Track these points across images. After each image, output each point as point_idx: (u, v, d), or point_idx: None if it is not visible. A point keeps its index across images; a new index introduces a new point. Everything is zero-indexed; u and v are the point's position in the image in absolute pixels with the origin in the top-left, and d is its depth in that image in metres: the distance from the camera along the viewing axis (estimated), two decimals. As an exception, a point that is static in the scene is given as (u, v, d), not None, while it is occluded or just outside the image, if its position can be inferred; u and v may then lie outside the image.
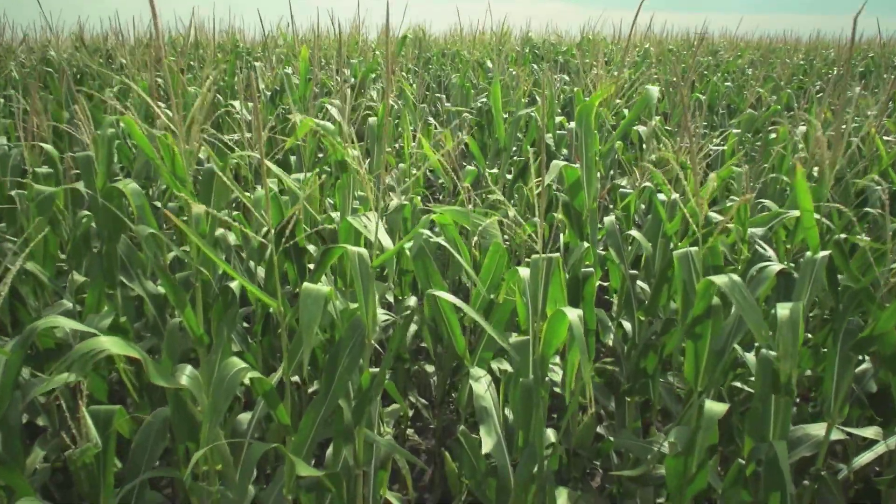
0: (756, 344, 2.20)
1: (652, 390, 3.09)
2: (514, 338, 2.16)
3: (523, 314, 2.00)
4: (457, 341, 2.83)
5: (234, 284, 2.06)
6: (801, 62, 10.58)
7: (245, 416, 2.29)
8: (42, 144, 2.95)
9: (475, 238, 2.59)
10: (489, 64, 7.68)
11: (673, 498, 2.01)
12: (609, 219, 3.11)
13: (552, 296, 1.93)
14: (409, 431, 4.19)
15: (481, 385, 2.40)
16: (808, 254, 1.99)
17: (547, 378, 1.95)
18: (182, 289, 1.91)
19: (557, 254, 1.98)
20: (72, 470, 1.94)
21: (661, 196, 2.94)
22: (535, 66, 7.65)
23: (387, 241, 2.53)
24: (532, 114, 4.65)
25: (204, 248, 1.76)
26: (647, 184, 3.26)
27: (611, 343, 3.20)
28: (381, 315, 2.48)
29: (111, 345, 1.54)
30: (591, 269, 2.68)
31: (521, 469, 1.90)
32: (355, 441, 2.03)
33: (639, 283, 3.12)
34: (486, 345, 3.05)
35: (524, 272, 2.09)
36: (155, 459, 2.15)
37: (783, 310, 1.68)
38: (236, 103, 4.52)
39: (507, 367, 2.59)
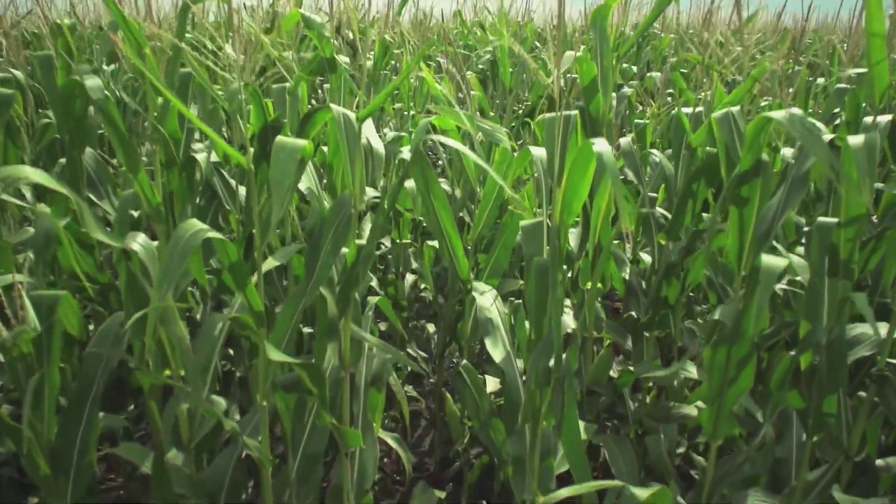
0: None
1: (673, 324, 2.77)
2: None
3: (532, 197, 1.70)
4: (459, 264, 2.52)
5: (200, 157, 1.76)
6: None
7: (219, 316, 1.98)
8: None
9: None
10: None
11: (711, 402, 1.69)
12: (625, 139, 2.81)
13: (572, 168, 1.60)
14: (408, 388, 3.88)
15: (486, 298, 2.09)
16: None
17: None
18: (136, 150, 1.61)
19: (575, 111, 1.67)
20: (6, 364, 1.63)
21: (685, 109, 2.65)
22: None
23: (377, 142, 2.24)
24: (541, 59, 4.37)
25: (167, 93, 1.45)
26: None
27: (626, 276, 2.89)
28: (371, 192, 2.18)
29: (33, 174, 1.24)
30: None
31: (535, 363, 1.59)
32: (340, 336, 1.72)
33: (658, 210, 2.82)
34: (491, 271, 2.75)
35: (537, 150, 1.79)
36: (111, 369, 1.84)
37: (855, 139, 1.37)
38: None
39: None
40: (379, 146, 2.22)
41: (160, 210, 1.64)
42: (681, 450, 2.75)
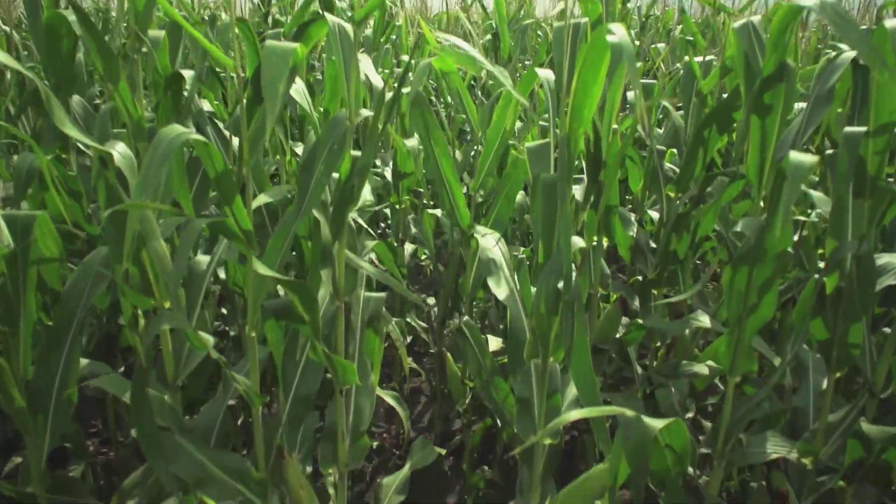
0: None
1: (682, 280, 2.66)
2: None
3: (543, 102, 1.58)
4: (460, 213, 2.42)
5: (187, 73, 1.65)
6: None
7: (203, 258, 1.87)
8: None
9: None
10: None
11: (730, 332, 1.58)
12: (631, 92, 2.71)
13: (583, 66, 1.46)
14: (408, 360, 3.77)
15: (488, 240, 1.97)
16: None
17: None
18: (115, 57, 1.50)
19: (585, 18, 1.57)
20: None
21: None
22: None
23: (375, 78, 2.13)
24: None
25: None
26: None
27: (633, 234, 2.78)
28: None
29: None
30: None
31: (544, 285, 1.47)
32: (334, 262, 1.61)
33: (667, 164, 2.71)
34: (493, 223, 2.65)
35: (543, 72, 1.69)
36: (91, 305, 1.73)
37: (892, 21, 1.27)
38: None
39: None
40: (378, 82, 2.11)
41: (141, 126, 1.53)
42: (689, 414, 2.63)
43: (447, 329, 3.39)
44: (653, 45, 4.09)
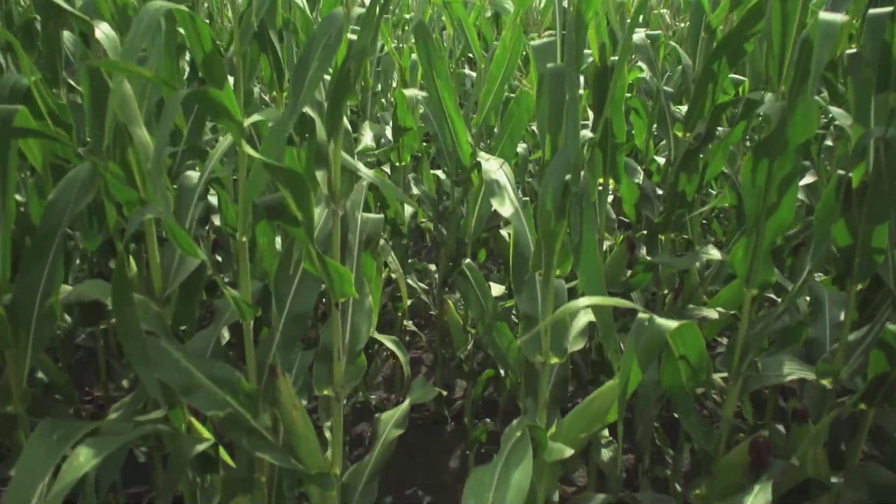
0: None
1: (690, 226, 2.58)
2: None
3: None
4: (461, 149, 2.33)
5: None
6: None
7: (194, 173, 1.78)
8: None
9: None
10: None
11: (749, 235, 1.49)
12: (638, 35, 2.63)
13: None
14: (408, 323, 3.68)
15: (492, 164, 1.88)
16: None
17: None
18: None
19: None
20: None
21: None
22: None
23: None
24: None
25: None
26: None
27: (638, 181, 2.69)
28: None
29: None
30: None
31: (551, 179, 1.38)
32: (330, 162, 1.52)
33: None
34: (501, 152, 2.56)
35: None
36: (74, 214, 1.64)
37: None
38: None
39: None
40: None
41: (126, 14, 1.44)
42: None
43: (447, 292, 3.30)
44: None
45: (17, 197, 2.07)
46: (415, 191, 3.30)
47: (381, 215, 1.83)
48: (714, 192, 2.96)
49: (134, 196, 1.38)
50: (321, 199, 1.66)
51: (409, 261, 3.74)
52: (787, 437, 1.61)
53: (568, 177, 1.40)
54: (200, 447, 1.42)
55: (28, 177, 2.38)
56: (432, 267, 3.84)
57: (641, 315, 1.38)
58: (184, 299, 1.64)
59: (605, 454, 2.39)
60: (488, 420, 2.90)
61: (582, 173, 1.41)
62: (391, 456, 1.94)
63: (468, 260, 2.42)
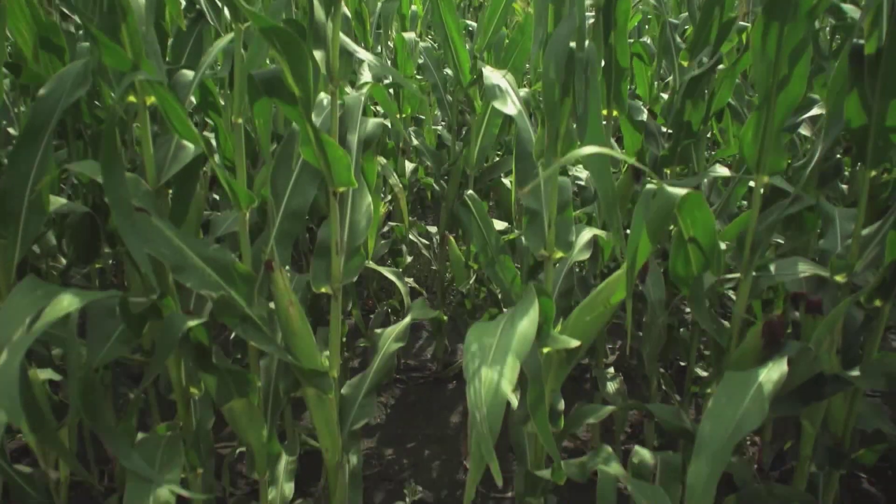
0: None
1: (695, 158, 2.52)
2: None
3: None
4: (462, 72, 2.28)
5: None
6: None
7: (189, 72, 1.73)
8: None
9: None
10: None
11: (760, 112, 1.44)
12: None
13: None
14: (409, 279, 3.62)
15: (494, 73, 1.84)
16: None
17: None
18: None
19: None
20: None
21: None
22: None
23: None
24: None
25: None
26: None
27: (643, 119, 2.64)
28: None
29: None
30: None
31: (554, 49, 1.33)
32: (328, 42, 1.47)
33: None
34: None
35: None
36: (67, 106, 1.59)
37: None
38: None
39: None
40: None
41: None
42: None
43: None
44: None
45: None
46: (415, 142, 3.25)
47: (381, 119, 1.79)
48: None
49: (127, 63, 1.33)
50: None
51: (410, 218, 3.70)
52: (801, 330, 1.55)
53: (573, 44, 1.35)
54: (191, 323, 1.36)
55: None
56: (433, 229, 3.80)
57: (650, 185, 1.33)
58: (179, 194, 1.59)
59: (611, 387, 2.33)
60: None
61: (587, 41, 1.36)
62: (390, 370, 1.88)
63: (470, 191, 2.36)
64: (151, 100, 1.53)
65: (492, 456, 0.93)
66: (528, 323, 1.10)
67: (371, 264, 2.44)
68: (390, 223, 3.14)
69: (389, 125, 3.47)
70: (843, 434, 1.72)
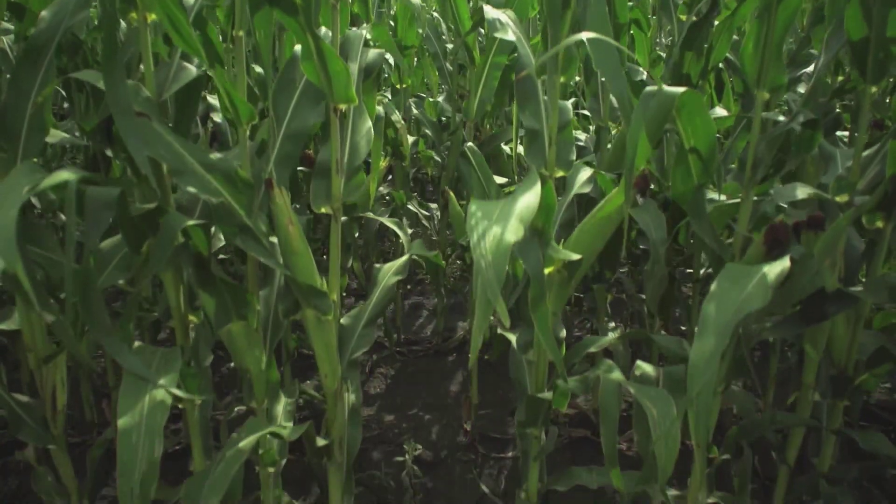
0: None
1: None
2: None
3: None
4: (463, 26, 2.30)
5: None
6: None
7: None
8: None
9: None
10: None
11: (761, 22, 1.44)
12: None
13: None
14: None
15: (493, 9, 1.84)
16: None
17: None
18: None
19: None
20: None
21: None
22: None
23: None
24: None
25: None
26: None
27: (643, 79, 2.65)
28: None
29: None
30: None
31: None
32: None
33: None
34: (498, 48, 2.52)
35: None
36: (69, 27, 1.60)
37: None
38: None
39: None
40: None
41: None
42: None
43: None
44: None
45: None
46: (415, 111, 3.26)
47: (382, 50, 1.79)
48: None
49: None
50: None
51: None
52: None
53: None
54: (190, 222, 1.36)
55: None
56: (434, 205, 3.79)
57: (649, 88, 1.33)
58: (180, 115, 1.59)
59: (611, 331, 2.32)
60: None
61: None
62: (389, 301, 1.87)
63: (470, 143, 2.37)
64: (152, 17, 1.53)
65: (497, 298, 0.92)
66: (531, 196, 1.09)
67: (371, 214, 2.44)
68: (390, 189, 3.14)
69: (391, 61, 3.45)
70: (846, 362, 1.71)
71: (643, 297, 2.64)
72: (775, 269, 1.26)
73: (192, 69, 1.61)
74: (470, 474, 2.57)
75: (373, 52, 1.78)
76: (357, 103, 1.55)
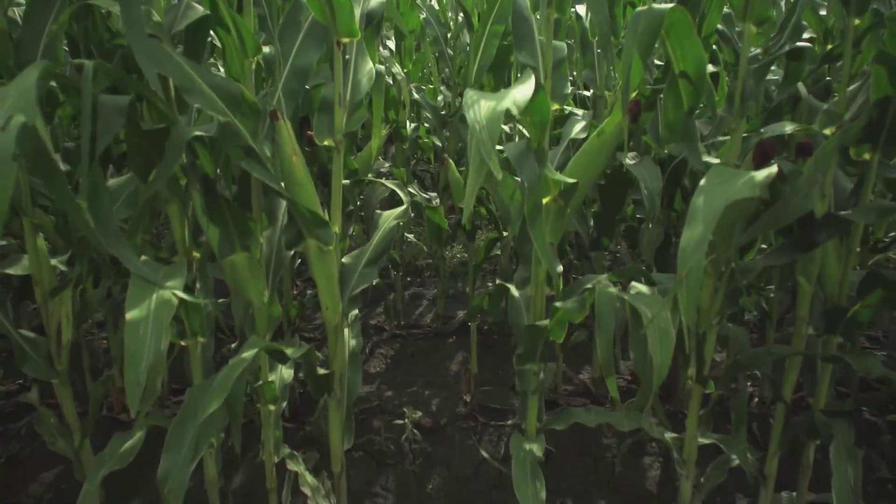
0: None
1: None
2: None
3: None
4: (462, -7, 2.38)
5: None
6: None
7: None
8: None
9: None
10: None
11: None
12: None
13: None
14: (410, 235, 3.67)
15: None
16: None
17: None
18: None
19: None
20: None
21: None
22: None
23: None
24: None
25: None
26: None
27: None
28: None
29: None
30: None
31: None
32: None
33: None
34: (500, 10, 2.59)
35: None
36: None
37: None
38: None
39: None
40: None
41: None
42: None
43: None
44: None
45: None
46: (415, 96, 3.34)
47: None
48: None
49: None
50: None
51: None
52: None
53: None
54: (197, 132, 1.41)
55: None
56: (434, 194, 3.85)
57: (640, 8, 1.39)
58: (192, 43, 1.65)
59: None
60: (490, 284, 2.84)
61: None
62: (390, 243, 1.91)
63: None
64: (163, -44, 1.61)
65: (491, 156, 0.97)
66: (525, 88, 1.15)
67: (371, 176, 2.49)
68: (390, 165, 3.20)
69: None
70: (838, 296, 1.75)
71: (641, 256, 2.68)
72: (763, 173, 1.30)
73: (199, 8, 1.67)
74: (469, 441, 2.59)
75: (374, 0, 1.85)
76: (359, 37, 1.62)
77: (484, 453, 2.47)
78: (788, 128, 1.70)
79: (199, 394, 1.38)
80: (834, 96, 2.54)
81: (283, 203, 1.84)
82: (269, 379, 1.74)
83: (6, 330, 1.75)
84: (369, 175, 2.42)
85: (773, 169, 1.33)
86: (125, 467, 1.60)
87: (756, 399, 2.83)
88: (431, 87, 3.55)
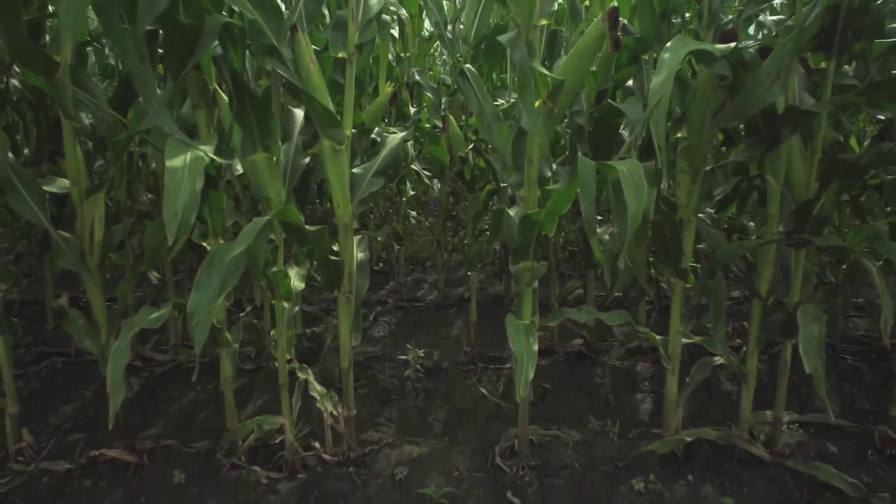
0: None
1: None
2: None
3: None
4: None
5: None
6: None
7: None
8: None
9: None
10: None
11: None
12: None
13: None
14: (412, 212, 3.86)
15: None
16: None
17: None
18: None
19: None
20: None
21: None
22: None
23: None
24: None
25: None
26: None
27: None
28: None
29: None
30: None
31: None
32: None
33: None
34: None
35: None
36: None
37: None
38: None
39: None
40: None
41: None
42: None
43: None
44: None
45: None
46: (416, 78, 3.58)
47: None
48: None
49: None
50: None
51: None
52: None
53: None
54: (228, 20, 1.63)
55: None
56: (435, 179, 4.07)
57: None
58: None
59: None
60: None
61: None
62: (394, 160, 2.11)
63: (468, 64, 2.66)
64: None
65: None
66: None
67: (378, 128, 2.71)
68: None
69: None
70: (805, 196, 1.94)
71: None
72: (721, 46, 1.53)
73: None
74: (469, 381, 2.73)
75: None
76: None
77: (483, 390, 2.61)
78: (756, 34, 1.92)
79: (225, 247, 1.56)
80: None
81: (298, 120, 2.05)
82: (282, 277, 1.91)
83: (46, 227, 1.93)
84: (376, 129, 2.64)
85: (731, 44, 1.55)
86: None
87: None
88: (431, 73, 3.79)
